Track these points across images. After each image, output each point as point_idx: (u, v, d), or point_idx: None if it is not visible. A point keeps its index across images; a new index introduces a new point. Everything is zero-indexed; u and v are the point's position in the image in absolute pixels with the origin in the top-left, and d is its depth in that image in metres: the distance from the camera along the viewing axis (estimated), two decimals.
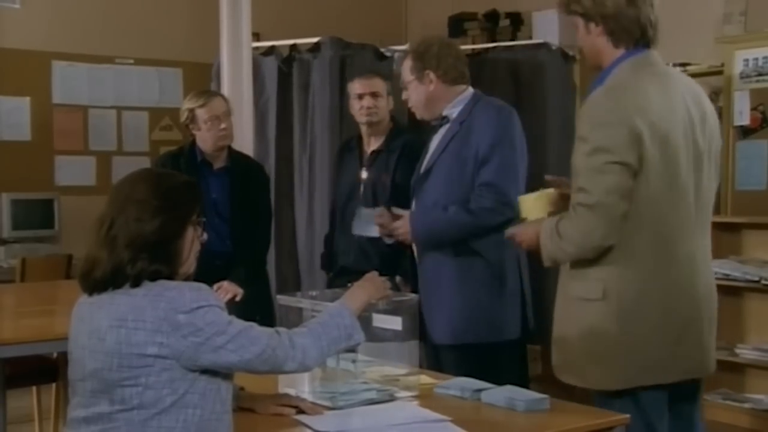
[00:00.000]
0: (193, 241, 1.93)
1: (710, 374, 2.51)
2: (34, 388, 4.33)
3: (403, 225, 3.11)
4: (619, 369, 2.36)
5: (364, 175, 3.68)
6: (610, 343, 2.35)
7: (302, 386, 2.29)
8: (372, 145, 3.71)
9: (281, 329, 1.95)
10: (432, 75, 3.14)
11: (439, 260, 3.07)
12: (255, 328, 1.89)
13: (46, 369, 4.14)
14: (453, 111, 3.16)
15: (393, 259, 3.40)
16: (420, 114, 3.23)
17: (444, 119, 3.18)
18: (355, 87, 3.73)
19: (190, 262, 1.94)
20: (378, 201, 3.53)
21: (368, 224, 3.34)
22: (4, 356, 3.68)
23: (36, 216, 6.07)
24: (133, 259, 1.84)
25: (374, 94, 3.68)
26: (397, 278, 3.34)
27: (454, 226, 3.02)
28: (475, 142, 3.05)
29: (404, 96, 3.25)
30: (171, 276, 1.89)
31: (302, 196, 4.99)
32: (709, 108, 2.50)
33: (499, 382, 2.31)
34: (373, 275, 2.23)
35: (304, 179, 4.96)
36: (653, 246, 2.33)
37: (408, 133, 3.79)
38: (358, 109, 3.72)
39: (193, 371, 1.83)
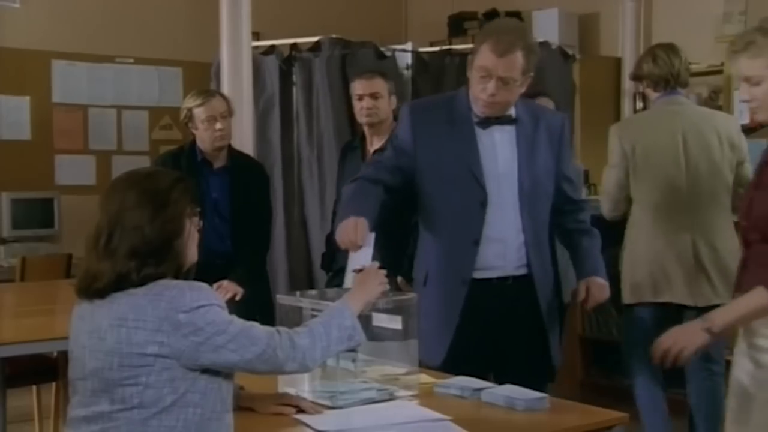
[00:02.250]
0: (191, 233, 1.93)
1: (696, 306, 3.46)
2: (34, 388, 4.33)
3: (602, 291, 2.87)
4: (625, 290, 3.66)
5: None
6: (624, 275, 3.66)
7: (302, 385, 2.30)
8: (375, 144, 3.68)
9: (282, 329, 1.95)
10: (529, 78, 2.75)
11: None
12: (256, 327, 1.89)
13: (46, 368, 4.14)
14: (512, 112, 2.82)
15: (393, 259, 3.37)
16: (496, 112, 2.77)
17: (507, 120, 2.82)
18: (356, 87, 3.72)
19: (192, 252, 1.95)
20: None
21: None
22: (4, 355, 3.68)
23: (36, 215, 6.07)
24: (139, 267, 1.83)
25: (374, 95, 3.65)
26: (399, 279, 3.33)
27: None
28: (554, 153, 2.85)
29: (491, 89, 2.69)
30: (177, 272, 1.89)
31: (313, 194, 4.99)
32: (722, 132, 3.60)
33: None
34: (373, 267, 2.22)
35: (314, 178, 4.97)
36: (651, 217, 3.58)
37: None
38: (358, 109, 3.70)
39: (194, 370, 1.83)
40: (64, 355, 4.05)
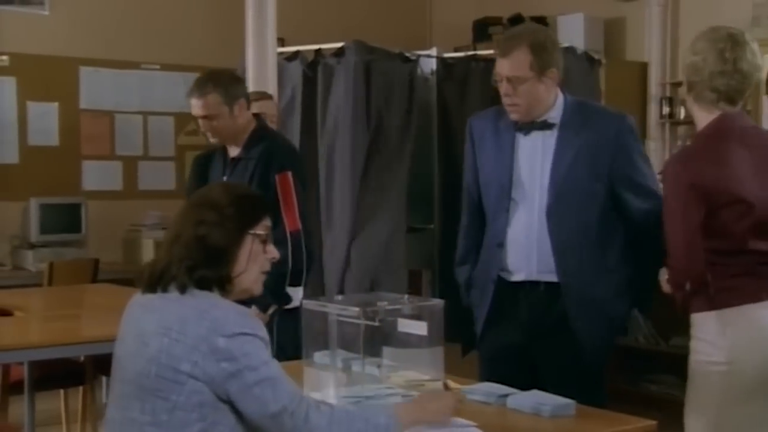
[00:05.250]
0: (252, 254, 1.91)
1: None
2: (61, 391, 4.37)
3: None
4: None
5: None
6: None
7: (327, 390, 2.29)
8: (232, 152, 3.48)
9: (308, 398, 1.86)
10: (554, 73, 2.74)
11: None
12: (284, 383, 1.81)
13: (73, 372, 4.17)
14: (555, 116, 2.79)
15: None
16: (521, 116, 2.77)
17: (544, 125, 2.79)
18: (191, 107, 3.37)
19: (249, 276, 1.91)
20: None
21: None
22: (33, 359, 3.73)
23: (63, 220, 6.12)
24: (181, 259, 1.85)
25: (206, 117, 3.30)
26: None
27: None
28: (612, 158, 2.73)
29: (505, 92, 2.75)
30: (221, 284, 1.87)
31: (329, 201, 4.99)
32: None
33: None
34: (449, 393, 2.10)
35: (332, 185, 4.97)
36: None
37: (270, 139, 3.48)
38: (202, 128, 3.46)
39: (224, 402, 1.79)
40: (90, 359, 4.08)
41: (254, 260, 1.92)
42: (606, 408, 2.41)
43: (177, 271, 1.85)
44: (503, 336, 2.84)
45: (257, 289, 1.96)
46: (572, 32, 6.36)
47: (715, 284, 2.36)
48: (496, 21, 6.90)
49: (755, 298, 2.37)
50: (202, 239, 1.86)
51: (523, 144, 2.81)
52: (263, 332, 1.84)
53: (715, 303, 2.37)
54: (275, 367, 1.82)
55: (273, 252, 1.96)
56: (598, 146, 2.75)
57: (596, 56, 5.52)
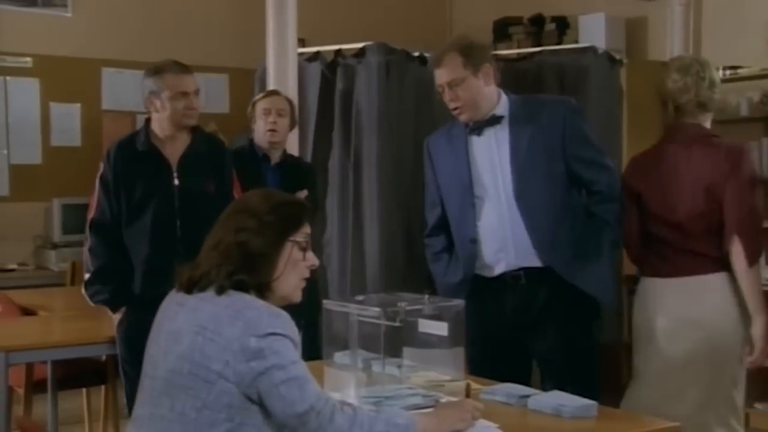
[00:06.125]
0: (291, 260, 1.93)
1: None
2: (84, 390, 4.40)
3: None
4: None
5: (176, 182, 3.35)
6: None
7: (348, 391, 2.30)
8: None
9: (333, 399, 1.88)
10: (488, 68, 2.92)
11: None
12: (310, 383, 1.84)
13: (95, 371, 4.20)
14: (503, 112, 2.95)
15: None
16: (469, 115, 2.93)
17: (494, 120, 2.95)
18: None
19: (287, 283, 1.94)
20: None
21: None
22: (56, 358, 3.76)
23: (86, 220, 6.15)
24: (220, 264, 1.87)
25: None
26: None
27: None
28: (559, 137, 2.90)
29: (450, 99, 2.94)
30: (260, 289, 1.89)
31: (345, 204, 4.98)
32: None
33: None
34: (467, 401, 2.07)
35: (349, 186, 4.97)
36: None
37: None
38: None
39: (252, 402, 1.81)
40: (112, 359, 4.11)
41: (293, 267, 1.94)
42: (618, 398, 2.48)
43: (216, 276, 1.87)
44: (492, 332, 2.93)
45: (296, 296, 1.98)
46: (593, 32, 6.33)
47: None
48: (516, 21, 6.87)
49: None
50: (242, 245, 1.89)
51: (477, 143, 2.96)
52: (294, 333, 1.86)
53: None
54: (303, 368, 1.84)
55: (312, 259, 1.98)
56: (550, 130, 2.91)
57: (617, 56, 5.48)
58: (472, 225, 2.94)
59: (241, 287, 1.87)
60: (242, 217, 1.92)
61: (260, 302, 1.87)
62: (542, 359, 3.02)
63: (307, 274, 1.98)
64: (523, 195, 2.87)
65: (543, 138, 2.89)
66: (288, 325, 1.85)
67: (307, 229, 1.98)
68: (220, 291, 1.86)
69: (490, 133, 2.94)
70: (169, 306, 1.95)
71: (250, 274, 1.88)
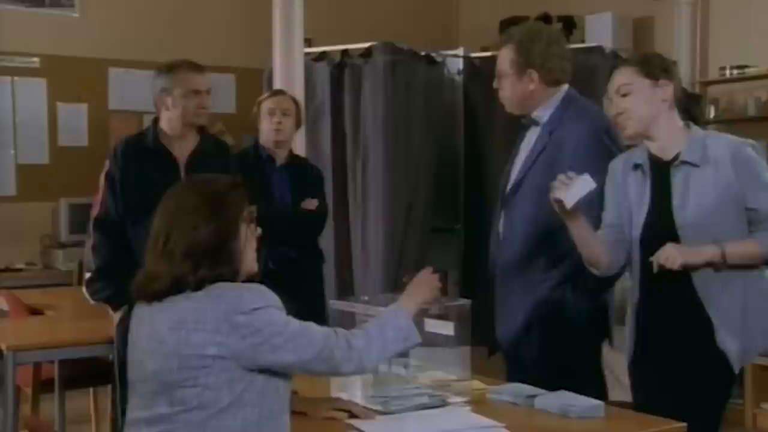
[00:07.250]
0: (248, 239, 1.95)
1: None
2: (91, 390, 4.41)
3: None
4: None
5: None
6: None
7: (355, 390, 2.30)
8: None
9: (339, 330, 1.96)
10: (534, 74, 2.85)
11: None
12: (313, 328, 1.91)
13: (102, 371, 4.20)
14: (543, 114, 2.89)
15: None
16: (510, 108, 2.94)
17: (532, 121, 2.92)
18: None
19: (249, 259, 1.96)
20: None
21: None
22: (63, 358, 3.76)
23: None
24: (195, 268, 1.87)
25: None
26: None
27: None
28: (567, 162, 2.66)
29: (495, 84, 2.95)
30: (233, 277, 1.91)
31: (355, 201, 4.99)
32: None
33: None
34: (427, 274, 2.20)
35: (358, 184, 4.97)
36: None
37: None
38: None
39: (252, 371, 1.85)
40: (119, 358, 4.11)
41: (250, 244, 1.96)
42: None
43: (193, 279, 1.86)
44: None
45: (255, 267, 1.99)
46: (600, 31, 6.31)
47: None
48: (523, 20, 6.85)
49: None
50: (206, 243, 1.87)
51: (524, 141, 2.98)
52: (275, 299, 1.89)
53: None
54: (297, 323, 1.89)
55: (257, 230, 1.99)
56: (560, 146, 2.80)
57: (625, 55, 5.46)
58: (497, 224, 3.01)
59: (218, 279, 1.88)
60: (190, 218, 1.88)
61: (233, 284, 1.89)
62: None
63: (256, 245, 1.99)
64: (509, 204, 2.94)
65: (554, 152, 2.87)
66: (267, 295, 1.88)
67: (251, 207, 1.97)
68: (198, 288, 1.86)
69: (531, 132, 3.01)
70: (141, 311, 1.95)
71: (225, 266, 1.89)
